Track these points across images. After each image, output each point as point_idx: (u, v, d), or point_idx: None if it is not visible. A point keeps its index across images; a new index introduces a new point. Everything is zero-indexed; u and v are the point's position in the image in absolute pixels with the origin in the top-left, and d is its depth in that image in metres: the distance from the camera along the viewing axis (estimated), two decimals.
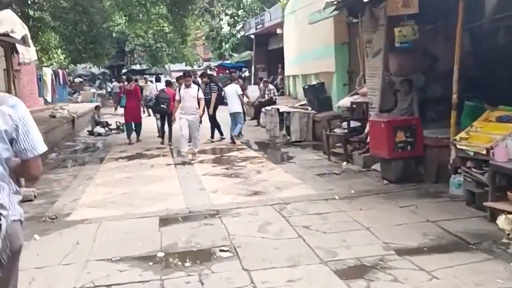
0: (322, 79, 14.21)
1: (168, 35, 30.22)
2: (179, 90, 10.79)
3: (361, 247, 4.89)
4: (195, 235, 5.62)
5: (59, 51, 22.80)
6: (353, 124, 9.85)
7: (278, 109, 13.47)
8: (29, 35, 8.26)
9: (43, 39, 18.02)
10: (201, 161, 10.61)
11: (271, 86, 16.95)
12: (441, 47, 9.09)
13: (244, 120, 14.09)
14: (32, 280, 4.53)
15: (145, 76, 33.77)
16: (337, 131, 10.23)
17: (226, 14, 32.10)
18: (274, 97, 16.21)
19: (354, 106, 10.40)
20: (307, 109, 12.99)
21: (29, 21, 14.29)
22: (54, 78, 23.99)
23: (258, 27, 24.66)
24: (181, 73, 15.48)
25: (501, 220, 5.08)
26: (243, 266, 4.61)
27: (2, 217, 2.24)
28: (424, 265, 4.36)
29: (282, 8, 20.11)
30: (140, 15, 19.47)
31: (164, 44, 34.55)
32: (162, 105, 13.07)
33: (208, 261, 4.83)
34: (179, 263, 4.86)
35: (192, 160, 10.46)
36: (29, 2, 14.81)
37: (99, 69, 38.14)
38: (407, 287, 4.01)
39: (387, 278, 4.16)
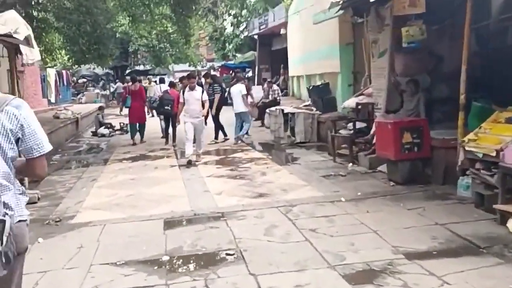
0: (326, 80, 14.14)
1: (171, 35, 30.22)
2: (183, 92, 10.64)
3: (369, 251, 4.81)
4: (200, 238, 5.55)
5: (63, 51, 22.82)
6: (359, 125, 9.76)
7: (282, 110, 13.39)
8: (32, 36, 8.21)
9: (47, 40, 18.02)
10: (206, 163, 10.54)
11: (275, 87, 16.87)
12: (446, 47, 9.01)
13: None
14: (35, 285, 4.48)
15: (148, 76, 33.79)
16: (343, 132, 10.15)
17: (230, 15, 32.06)
18: (278, 98, 16.14)
19: (360, 107, 10.31)
20: (312, 110, 12.91)
21: (33, 22, 14.27)
22: (57, 79, 23.98)
23: (261, 27, 24.60)
24: (184, 74, 15.45)
25: None
26: (250, 270, 4.53)
27: (7, 216, 2.25)
28: (434, 270, 4.27)
29: (285, 8, 20.04)
30: (144, 15, 19.42)
31: (168, 45, 34.52)
32: (166, 107, 13.03)
33: (214, 265, 4.76)
34: (185, 267, 4.80)
35: (197, 161, 10.38)
36: (33, 3, 14.77)
37: (103, 69, 38.15)
38: None
39: (397, 284, 4.07)
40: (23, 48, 8.44)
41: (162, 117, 14.19)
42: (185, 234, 5.77)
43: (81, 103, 30.29)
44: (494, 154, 5.78)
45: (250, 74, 29.17)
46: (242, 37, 30.97)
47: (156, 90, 18.89)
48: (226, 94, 14.89)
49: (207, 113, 11.45)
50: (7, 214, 2.27)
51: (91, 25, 16.56)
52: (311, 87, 14.38)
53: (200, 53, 43.53)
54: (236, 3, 30.55)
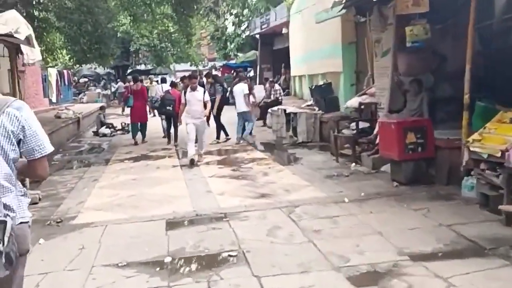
0: (329, 79, 14.08)
1: (173, 35, 30.14)
2: (185, 93, 10.57)
3: (374, 253, 4.75)
4: (202, 239, 5.50)
5: (64, 51, 22.77)
6: (362, 125, 9.71)
7: (284, 110, 13.34)
8: (33, 36, 8.16)
9: (48, 39, 17.98)
10: (207, 163, 10.50)
11: (277, 86, 16.81)
12: (449, 46, 8.96)
13: None
14: (36, 287, 4.44)
15: (150, 76, 33.72)
16: (345, 132, 10.09)
17: (231, 14, 31.98)
18: (280, 98, 16.08)
19: (363, 106, 10.25)
20: (314, 110, 12.86)
21: (34, 22, 14.22)
22: (59, 79, 23.92)
23: (263, 26, 24.54)
24: (186, 73, 15.39)
25: None
26: (253, 272, 4.48)
27: (8, 218, 2.27)
28: (440, 272, 4.22)
29: (287, 8, 19.98)
30: (145, 15, 19.37)
31: (169, 44, 34.44)
32: (167, 107, 13.02)
33: (216, 266, 4.71)
34: (187, 268, 4.75)
35: (198, 161, 10.33)
36: (34, 3, 14.73)
37: (104, 69, 38.11)
38: None
39: (403, 286, 4.02)
40: (24, 48, 8.40)
41: (163, 116, 14.17)
42: (187, 235, 5.72)
43: (82, 102, 30.26)
44: (499, 154, 5.72)
45: (251, 73, 29.11)
46: (243, 36, 30.89)
47: (158, 89, 18.87)
48: (227, 94, 14.84)
49: (209, 113, 11.38)
50: (8, 215, 2.29)
51: (92, 25, 16.52)
52: (313, 87, 14.31)
53: (201, 53, 43.45)
54: (237, 2, 30.48)
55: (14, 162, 2.42)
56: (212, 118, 13.04)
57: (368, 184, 7.65)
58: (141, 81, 16.27)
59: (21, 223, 2.41)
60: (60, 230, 6.22)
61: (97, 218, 6.60)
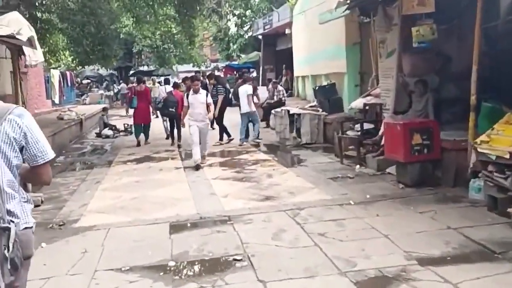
0: (332, 80, 14.01)
1: (175, 36, 30.17)
2: (187, 96, 10.44)
3: (381, 257, 4.67)
4: (206, 243, 5.42)
5: (67, 52, 22.78)
6: (366, 126, 9.62)
7: (288, 111, 13.25)
8: (35, 37, 8.12)
9: (51, 41, 17.95)
10: (211, 165, 10.42)
11: (280, 87, 16.71)
12: (454, 47, 8.89)
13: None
14: None
15: (152, 77, 33.70)
16: (350, 133, 10.00)
17: (234, 15, 31.98)
18: (283, 99, 15.99)
19: (367, 107, 10.17)
20: (318, 111, 12.78)
21: (37, 23, 14.21)
22: (61, 80, 23.93)
23: (266, 27, 24.50)
24: (188, 74, 15.32)
25: None
26: (258, 277, 4.40)
27: (12, 224, 2.31)
28: (449, 277, 4.13)
29: (290, 8, 19.93)
30: (148, 16, 19.34)
31: (172, 45, 34.50)
32: (170, 109, 12.97)
33: (221, 271, 4.63)
34: (191, 273, 4.68)
35: (202, 163, 10.24)
36: (37, 4, 14.71)
37: (107, 70, 38.13)
38: None
39: None
40: (26, 49, 8.35)
41: (166, 118, 14.12)
42: (191, 239, 5.64)
43: (85, 104, 30.27)
44: (508, 156, 5.64)
45: (254, 74, 29.07)
46: (246, 37, 30.89)
47: (161, 90, 18.81)
48: (230, 95, 14.77)
49: (213, 117, 11.27)
50: (12, 221, 2.33)
51: (95, 26, 16.51)
52: (317, 88, 14.24)
53: (204, 54, 43.48)
54: (240, 3, 30.46)
55: (17, 169, 2.45)
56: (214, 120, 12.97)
57: (373, 186, 7.56)
58: (144, 82, 16.19)
59: (25, 228, 2.44)
60: (63, 233, 6.15)
61: (99, 221, 6.53)
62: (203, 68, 40.50)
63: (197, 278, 4.52)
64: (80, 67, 28.86)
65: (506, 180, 5.70)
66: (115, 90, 35.14)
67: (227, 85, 15.84)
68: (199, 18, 24.01)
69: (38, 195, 7.59)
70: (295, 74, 20.22)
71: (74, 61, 24.16)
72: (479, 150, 6.14)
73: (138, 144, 13.79)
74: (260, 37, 26.78)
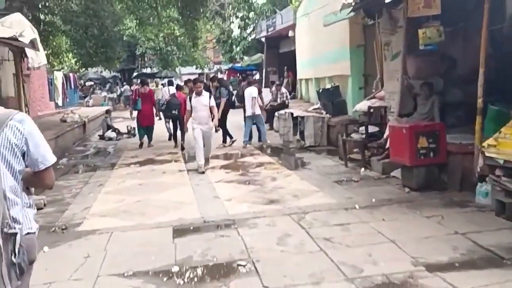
0: (336, 83, 13.94)
1: (179, 38, 30.15)
2: (190, 99, 10.33)
3: (388, 262, 4.59)
4: (210, 247, 5.35)
5: (70, 55, 22.81)
6: (371, 129, 9.54)
7: (291, 113, 13.19)
8: (38, 39, 8.06)
9: (54, 43, 17.98)
10: (214, 167, 10.35)
11: (283, 90, 16.63)
12: (460, 49, 8.81)
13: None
14: None
15: (155, 79, 33.70)
16: (354, 136, 9.93)
17: (237, 17, 31.85)
18: (286, 101, 15.92)
19: (372, 110, 10.10)
20: (321, 113, 12.71)
21: (40, 25, 14.20)
22: (65, 82, 23.87)
23: (269, 29, 24.43)
24: (191, 76, 15.26)
25: None
26: (263, 283, 4.33)
27: (16, 230, 2.33)
28: (458, 283, 4.06)
29: (294, 11, 19.86)
30: (151, 18, 19.34)
31: (175, 48, 34.45)
32: (173, 111, 12.93)
33: (225, 277, 4.56)
34: (195, 279, 4.60)
35: (205, 166, 10.16)
36: (40, 6, 14.69)
37: (110, 72, 38.16)
38: None
39: None
40: (28, 51, 8.29)
41: (168, 120, 14.09)
42: (195, 243, 5.56)
43: (88, 106, 30.23)
44: None
45: (257, 76, 29.01)
46: (249, 39, 30.80)
47: (164, 92, 18.77)
48: (233, 97, 14.69)
49: (218, 120, 11.21)
50: (15, 228, 2.34)
51: (99, 28, 16.50)
52: (320, 90, 14.17)
53: (207, 56, 43.42)
54: (243, 5, 30.40)
55: (20, 174, 2.46)
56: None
57: (378, 190, 7.48)
58: (148, 84, 16.16)
59: (27, 233, 2.46)
60: (65, 237, 6.09)
61: (102, 225, 6.47)
62: (206, 70, 40.49)
63: (201, 284, 4.45)
64: (83, 69, 28.90)
65: None
66: (118, 92, 35.15)
67: (230, 88, 15.77)
68: (202, 20, 23.98)
69: (41, 198, 7.54)
70: (299, 76, 20.15)
71: (77, 63, 24.20)
72: (486, 154, 6.07)
73: (141, 146, 13.75)
74: (263, 39, 26.72)
